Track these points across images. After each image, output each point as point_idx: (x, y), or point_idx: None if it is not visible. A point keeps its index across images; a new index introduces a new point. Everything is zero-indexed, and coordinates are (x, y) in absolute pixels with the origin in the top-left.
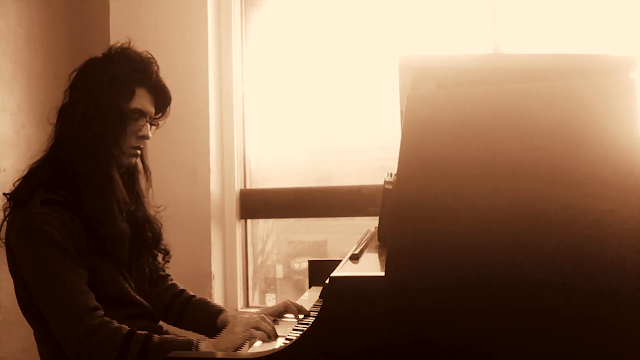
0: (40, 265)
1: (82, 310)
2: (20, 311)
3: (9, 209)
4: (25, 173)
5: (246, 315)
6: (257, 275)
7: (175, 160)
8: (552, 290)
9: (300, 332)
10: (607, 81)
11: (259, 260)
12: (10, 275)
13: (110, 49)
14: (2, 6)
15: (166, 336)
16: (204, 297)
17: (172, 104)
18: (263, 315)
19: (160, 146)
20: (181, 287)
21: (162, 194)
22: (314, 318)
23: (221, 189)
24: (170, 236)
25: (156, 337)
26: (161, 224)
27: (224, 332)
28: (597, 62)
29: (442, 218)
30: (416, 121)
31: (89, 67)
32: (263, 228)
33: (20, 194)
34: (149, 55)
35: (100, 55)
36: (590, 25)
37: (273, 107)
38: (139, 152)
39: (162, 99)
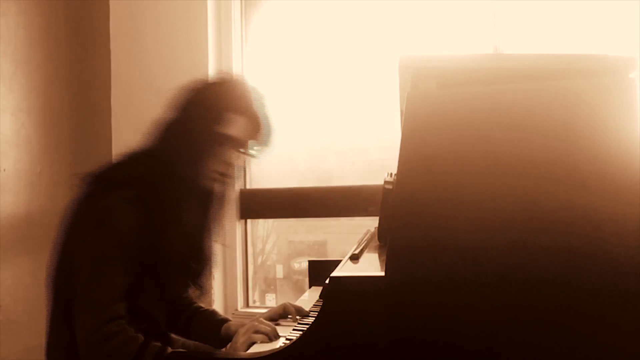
0: (98, 258)
1: (111, 316)
2: (20, 311)
3: (87, 189)
4: (116, 160)
5: (245, 322)
6: (257, 275)
7: None
8: (551, 289)
9: (301, 332)
10: (607, 81)
11: (259, 260)
12: (9, 275)
13: (218, 74)
14: (2, 6)
15: (177, 350)
16: (212, 308)
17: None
18: (260, 318)
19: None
20: (190, 299)
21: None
22: (314, 318)
23: None
24: None
25: (170, 349)
26: (213, 258)
27: (228, 347)
28: (597, 62)
29: (442, 218)
30: (416, 121)
31: (194, 90)
32: (263, 228)
33: (115, 179)
34: (254, 87)
35: (204, 79)
36: (590, 25)
37: (273, 107)
38: (224, 178)
39: (257, 130)
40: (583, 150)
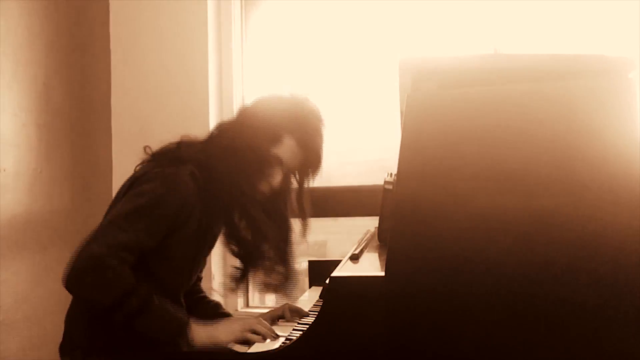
0: (148, 203)
1: (116, 255)
2: (20, 311)
3: (152, 165)
4: (179, 141)
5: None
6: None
7: None
8: (551, 289)
9: (301, 332)
10: (607, 81)
11: None
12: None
13: (293, 94)
14: (2, 6)
15: (165, 304)
16: (217, 301)
17: (172, 104)
18: (260, 318)
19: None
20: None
21: None
22: (314, 318)
23: None
24: None
25: (157, 299)
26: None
27: (221, 322)
28: (597, 62)
29: (442, 218)
30: (416, 121)
31: (264, 100)
32: None
33: (178, 156)
34: (319, 113)
35: (281, 94)
36: (590, 25)
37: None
38: (264, 195)
39: (310, 159)
40: (583, 150)
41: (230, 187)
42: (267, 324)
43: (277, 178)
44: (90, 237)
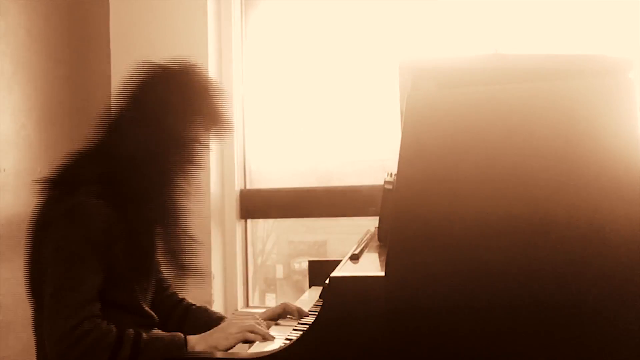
0: (68, 257)
1: (85, 316)
2: (20, 311)
3: (49, 193)
4: (68, 162)
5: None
6: (257, 275)
7: None
8: (552, 290)
9: (301, 332)
10: (606, 81)
11: (259, 260)
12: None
13: (180, 64)
14: (2, 6)
15: (154, 332)
16: (204, 305)
17: None
18: (258, 319)
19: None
20: (180, 296)
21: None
22: (314, 318)
23: (221, 189)
24: None
25: (145, 334)
26: (190, 241)
27: (217, 329)
28: (597, 62)
29: (442, 218)
30: (416, 121)
31: (155, 80)
32: (263, 228)
33: (70, 181)
34: (216, 82)
35: (167, 65)
36: (590, 25)
37: (273, 107)
38: (188, 175)
39: (221, 126)
40: (582, 150)
41: (148, 188)
42: (265, 325)
43: (196, 154)
44: (49, 321)
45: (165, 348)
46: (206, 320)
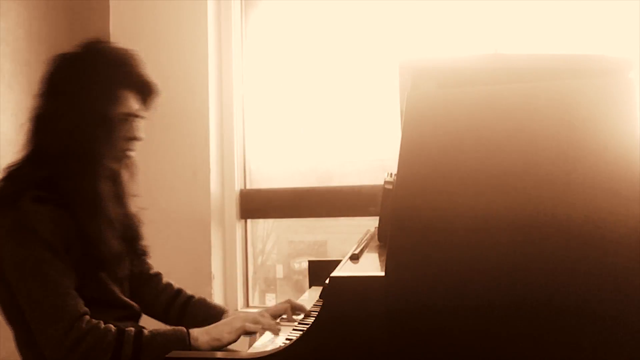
0: (31, 267)
1: (72, 316)
2: None
3: None
4: (4, 174)
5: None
6: (257, 275)
7: (175, 160)
8: (551, 290)
9: (301, 332)
10: (606, 81)
11: (259, 260)
12: None
13: (86, 46)
14: (2, 6)
15: (156, 329)
16: (203, 296)
17: (172, 104)
18: (263, 312)
19: (160, 146)
20: (177, 286)
21: (162, 194)
22: (314, 318)
23: (221, 189)
24: (170, 236)
25: (146, 331)
26: (141, 222)
27: (221, 322)
28: (596, 62)
29: (442, 218)
30: (416, 121)
31: (66, 69)
32: (263, 228)
33: (7, 193)
34: (129, 50)
35: (73, 51)
36: (590, 25)
37: (273, 107)
38: (131, 153)
39: (149, 94)
40: (582, 150)
41: (94, 166)
42: (270, 317)
43: (133, 128)
44: (40, 335)
45: (168, 343)
46: (207, 312)
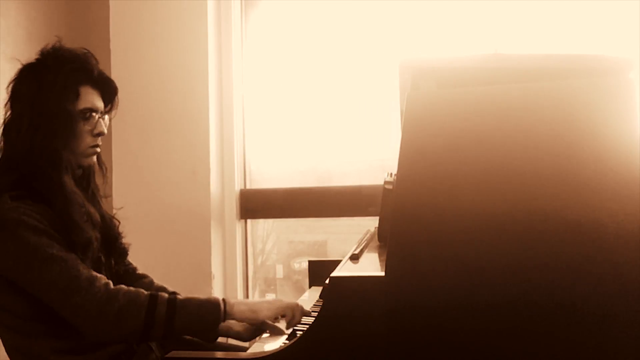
0: (32, 253)
1: (92, 280)
2: None
3: None
4: None
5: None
6: (257, 275)
7: (175, 160)
8: (551, 290)
9: (301, 332)
10: (606, 81)
11: (259, 260)
12: None
13: (42, 52)
14: (2, 6)
15: (190, 296)
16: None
17: (172, 104)
18: (301, 306)
19: (160, 146)
20: (160, 284)
21: (163, 194)
22: (314, 318)
23: (221, 189)
24: (170, 236)
25: (180, 295)
26: (119, 222)
27: (264, 300)
28: (596, 62)
29: (442, 218)
30: (416, 121)
31: (25, 76)
32: (263, 228)
33: None
34: (85, 50)
35: (33, 60)
36: (590, 25)
37: (273, 107)
38: (97, 149)
39: (108, 92)
40: (582, 150)
41: (65, 165)
42: (301, 315)
43: (97, 125)
44: (67, 310)
45: (201, 307)
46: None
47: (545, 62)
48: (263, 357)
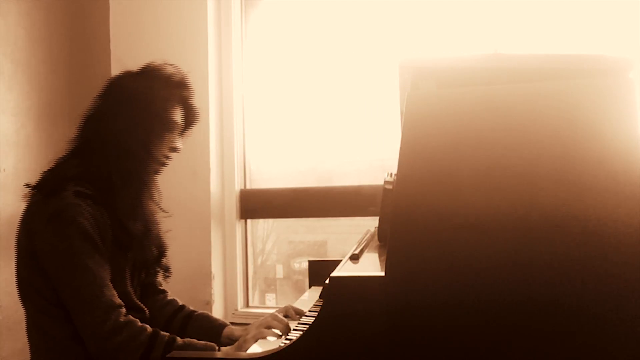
0: (71, 256)
1: (109, 306)
2: (20, 311)
3: (33, 198)
4: (51, 166)
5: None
6: (257, 275)
7: (175, 160)
8: (551, 290)
9: (301, 332)
10: (606, 81)
11: (259, 260)
12: (9, 275)
13: (149, 64)
14: (2, 6)
15: (189, 339)
16: (205, 312)
17: None
18: (275, 313)
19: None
20: (181, 302)
21: (162, 194)
22: (313, 318)
23: (221, 189)
24: (170, 236)
25: (179, 339)
26: (167, 245)
27: (240, 339)
28: (596, 62)
29: (441, 218)
30: (416, 121)
31: (129, 80)
32: (263, 228)
33: (51, 184)
34: (186, 75)
35: (135, 70)
36: (590, 25)
37: (273, 107)
38: (168, 162)
39: (192, 118)
40: (582, 150)
41: (141, 162)
42: (282, 318)
43: (177, 141)
44: (78, 320)
45: (197, 354)
46: (208, 325)
47: (545, 62)
48: (263, 357)
